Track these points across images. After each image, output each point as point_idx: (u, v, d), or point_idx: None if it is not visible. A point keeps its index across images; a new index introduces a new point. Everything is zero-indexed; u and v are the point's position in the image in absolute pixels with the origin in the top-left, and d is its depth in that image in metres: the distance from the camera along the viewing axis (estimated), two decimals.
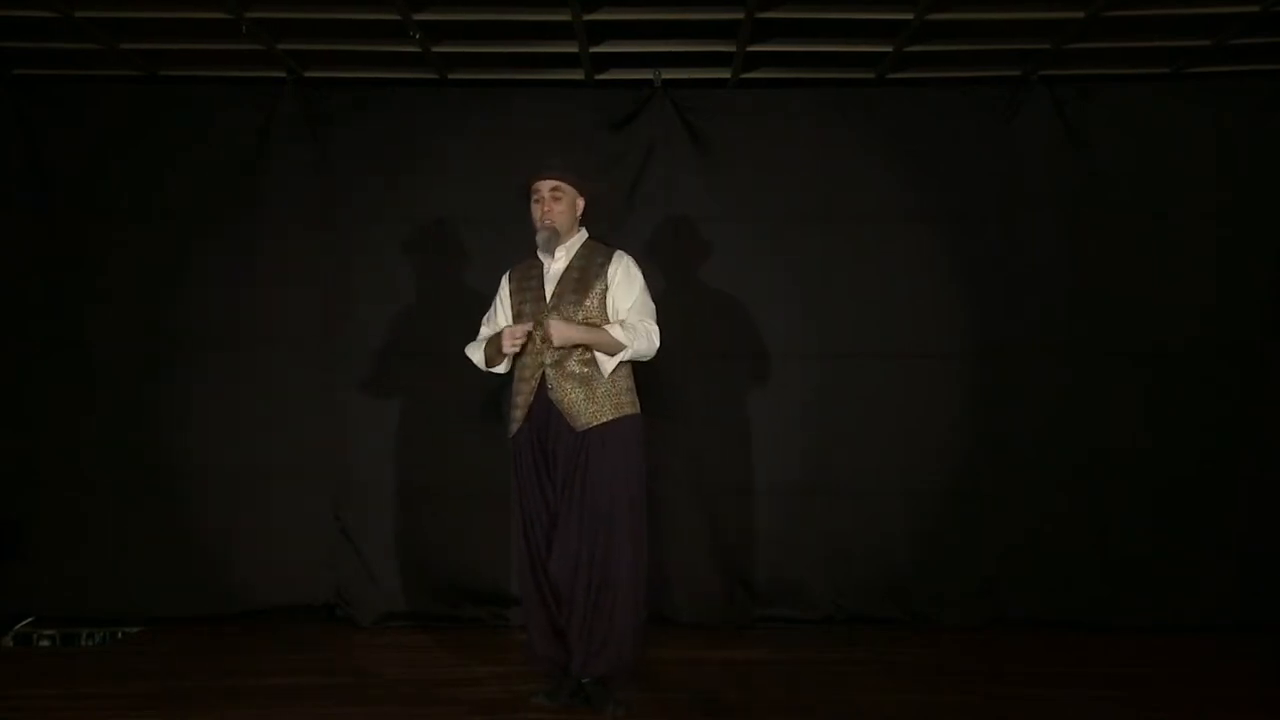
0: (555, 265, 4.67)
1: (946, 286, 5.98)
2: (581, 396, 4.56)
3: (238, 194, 6.00)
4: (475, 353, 4.83)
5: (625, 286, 4.63)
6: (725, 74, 5.97)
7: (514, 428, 4.66)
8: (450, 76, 6.02)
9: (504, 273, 4.86)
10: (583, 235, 4.75)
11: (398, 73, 5.97)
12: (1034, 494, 5.91)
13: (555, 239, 4.63)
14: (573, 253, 4.68)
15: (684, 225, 5.92)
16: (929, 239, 5.98)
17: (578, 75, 5.99)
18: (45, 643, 5.68)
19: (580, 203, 4.72)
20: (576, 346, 4.56)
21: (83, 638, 5.71)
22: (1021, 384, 5.95)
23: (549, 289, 4.65)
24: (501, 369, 4.77)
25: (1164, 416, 5.91)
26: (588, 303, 4.60)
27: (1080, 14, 5.23)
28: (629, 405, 4.64)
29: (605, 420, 4.57)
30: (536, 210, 4.64)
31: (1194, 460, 5.89)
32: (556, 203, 4.62)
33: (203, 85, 6.03)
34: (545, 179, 4.64)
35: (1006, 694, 4.85)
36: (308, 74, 5.97)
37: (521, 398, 4.64)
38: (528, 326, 4.58)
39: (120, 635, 5.77)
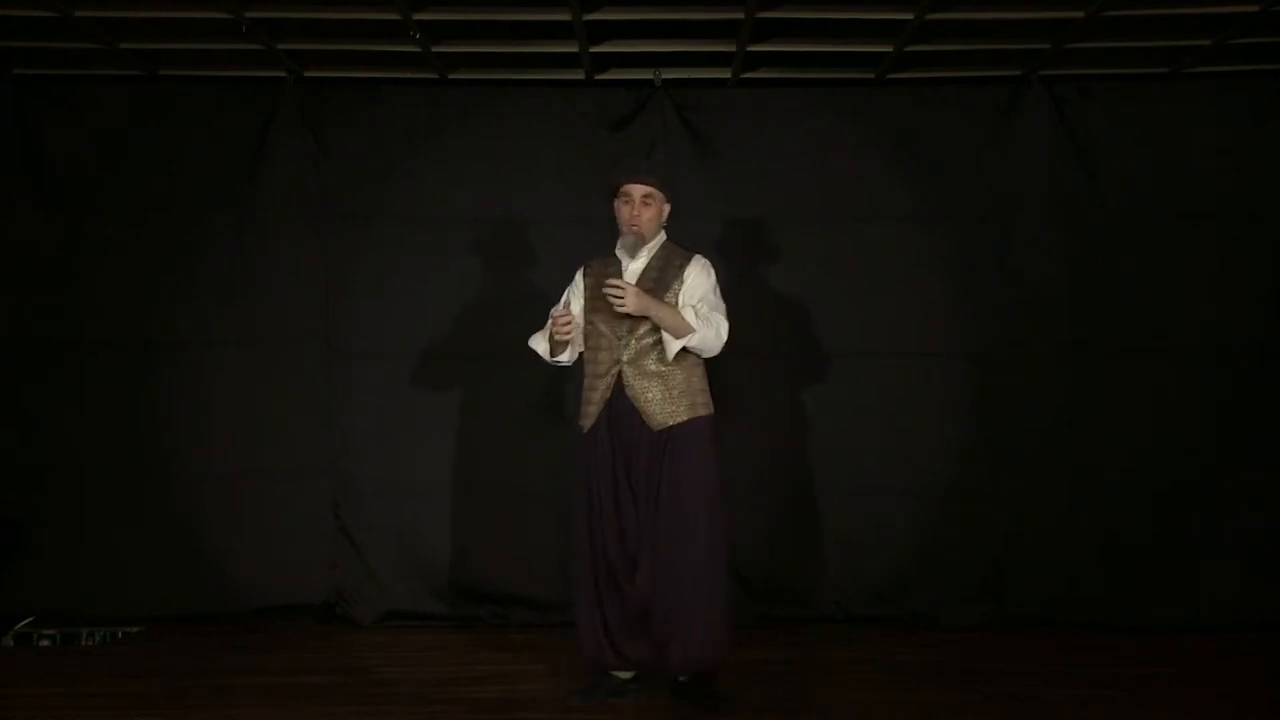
0: (635, 264, 4.66)
1: (946, 286, 5.99)
2: (658, 395, 4.56)
3: (237, 194, 6.00)
4: (539, 343, 4.78)
5: (695, 281, 4.62)
6: (725, 74, 5.97)
7: (586, 424, 4.63)
8: (450, 76, 6.02)
9: (579, 267, 4.80)
10: (662, 237, 4.73)
11: (398, 73, 5.97)
12: (1034, 494, 5.91)
13: (640, 244, 4.65)
14: (652, 253, 4.69)
15: (684, 225, 5.91)
16: (929, 239, 5.98)
17: (578, 75, 6.00)
18: (45, 643, 5.67)
19: (666, 209, 4.72)
20: (656, 344, 4.55)
21: (83, 638, 5.71)
22: (1021, 384, 5.95)
23: None
24: (565, 359, 4.72)
25: (1164, 416, 5.91)
26: (663, 301, 4.58)
27: (1080, 14, 5.23)
28: (703, 406, 4.64)
29: (682, 420, 4.57)
30: (625, 212, 4.64)
31: (1194, 460, 5.89)
32: (646, 209, 4.62)
33: (203, 85, 6.03)
34: (639, 184, 4.64)
35: (1006, 694, 4.85)
36: (308, 74, 5.97)
37: (596, 394, 4.62)
38: (574, 319, 4.59)
39: (120, 635, 5.77)
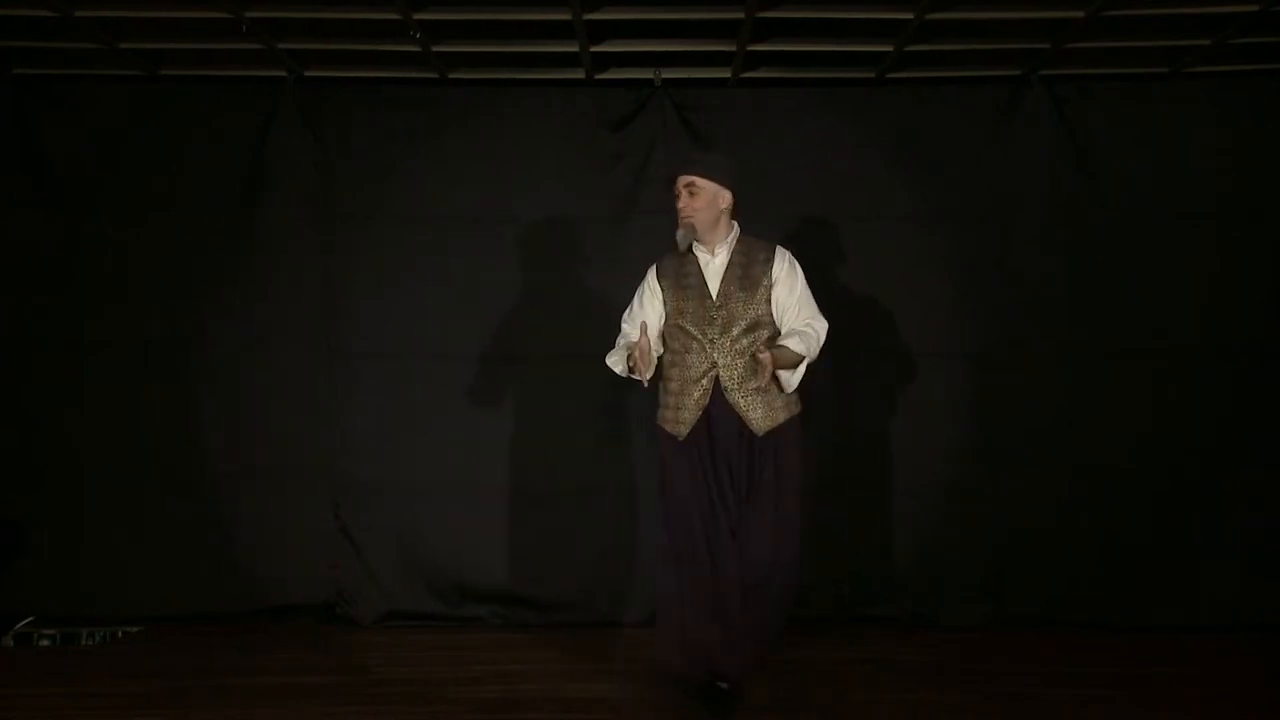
0: (715, 261, 4.58)
1: (946, 286, 5.98)
2: (758, 398, 4.49)
3: (237, 194, 6.00)
4: (617, 364, 4.65)
5: (787, 283, 4.56)
6: (725, 73, 5.97)
7: (682, 431, 4.53)
8: (450, 76, 6.02)
9: (651, 266, 4.71)
10: (736, 230, 4.64)
11: (398, 72, 5.97)
12: (1034, 494, 5.91)
13: (691, 235, 4.56)
14: (731, 249, 4.59)
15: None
16: (929, 239, 5.98)
17: (578, 75, 6.00)
18: (45, 642, 5.68)
19: (725, 198, 4.59)
20: (750, 345, 4.48)
21: (83, 637, 5.71)
22: (1021, 384, 5.95)
23: (713, 286, 4.55)
24: (646, 376, 4.58)
25: (1164, 416, 5.91)
26: (756, 299, 4.53)
27: (1080, 14, 5.23)
28: (795, 404, 4.60)
29: (781, 422, 4.53)
30: (677, 204, 4.58)
31: (1194, 460, 5.89)
32: (693, 199, 4.54)
33: (203, 85, 6.03)
34: (682, 174, 4.57)
35: (1006, 694, 4.85)
36: (308, 74, 5.97)
37: (691, 400, 4.51)
38: (651, 350, 4.47)
39: (120, 635, 5.77)
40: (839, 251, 5.98)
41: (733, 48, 5.63)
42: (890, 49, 5.62)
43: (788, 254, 4.63)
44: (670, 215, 5.68)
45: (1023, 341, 5.96)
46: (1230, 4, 5.22)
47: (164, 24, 5.46)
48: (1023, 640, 5.69)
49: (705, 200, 4.55)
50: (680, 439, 4.54)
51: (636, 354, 4.46)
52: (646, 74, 5.98)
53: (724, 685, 4.59)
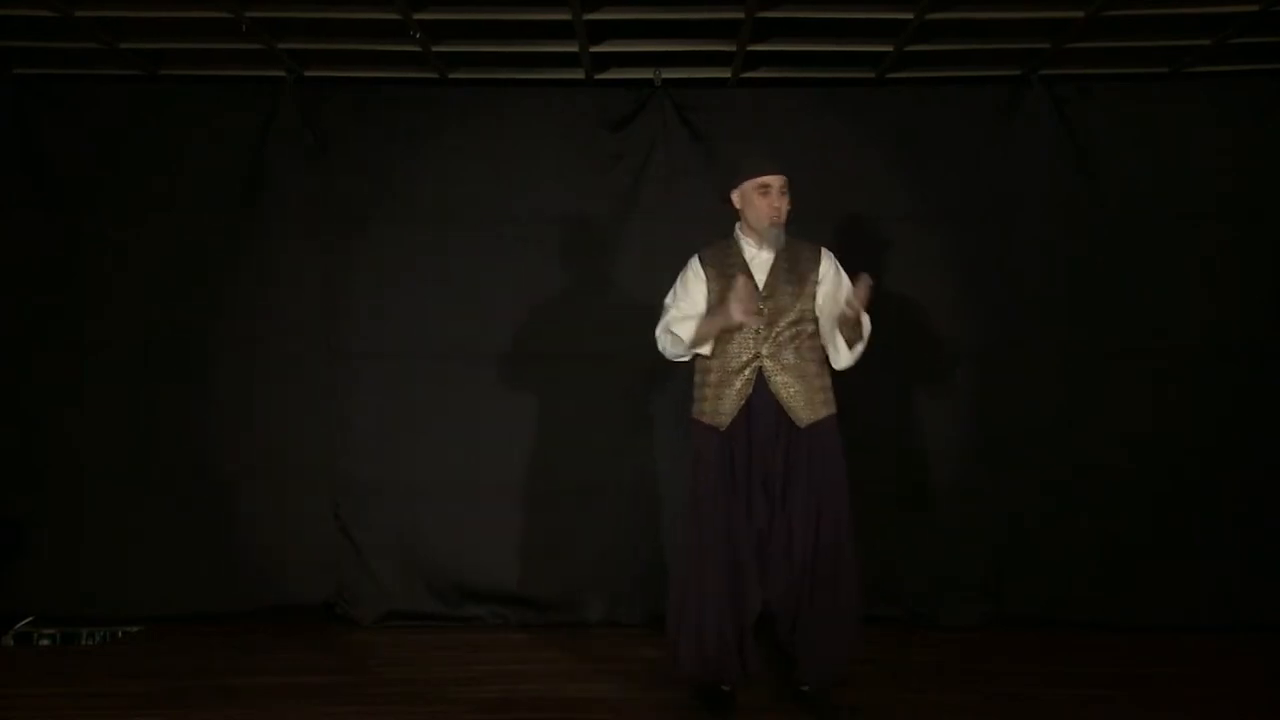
0: (762, 255, 4.57)
1: (946, 286, 5.98)
2: (800, 389, 4.48)
3: (237, 194, 6.00)
4: (681, 330, 4.54)
5: (834, 282, 4.57)
6: (725, 73, 5.97)
7: (724, 422, 4.49)
8: (450, 76, 6.02)
9: (693, 255, 4.68)
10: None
11: (398, 72, 5.97)
12: (1034, 494, 5.91)
13: (782, 236, 4.55)
14: (777, 245, 4.61)
15: (684, 225, 5.91)
16: (929, 239, 5.98)
17: (578, 75, 6.00)
18: (46, 642, 5.68)
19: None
20: (795, 336, 4.48)
21: (83, 637, 5.71)
22: (1021, 384, 5.94)
23: (760, 278, 4.53)
24: (706, 350, 4.57)
25: (1164, 416, 5.91)
26: (804, 293, 4.53)
27: (1080, 14, 5.23)
28: (833, 402, 4.60)
29: (823, 416, 4.52)
30: (764, 204, 4.52)
31: (1194, 460, 5.89)
32: (783, 198, 4.55)
33: (203, 85, 6.03)
34: (780, 174, 4.56)
35: (1006, 694, 4.85)
36: (308, 74, 5.97)
37: (733, 390, 4.48)
38: (756, 299, 4.42)
39: (120, 635, 5.77)
40: (839, 252, 5.93)
41: (733, 48, 5.63)
42: (890, 49, 5.62)
43: (833, 256, 4.65)
44: (671, 214, 5.71)
45: (1023, 341, 5.96)
46: (1230, 4, 5.22)
47: (164, 24, 5.46)
48: (1023, 640, 5.68)
49: (788, 200, 4.58)
50: (721, 430, 4.50)
51: (732, 300, 4.34)
52: (646, 74, 5.98)
53: (726, 688, 4.59)
